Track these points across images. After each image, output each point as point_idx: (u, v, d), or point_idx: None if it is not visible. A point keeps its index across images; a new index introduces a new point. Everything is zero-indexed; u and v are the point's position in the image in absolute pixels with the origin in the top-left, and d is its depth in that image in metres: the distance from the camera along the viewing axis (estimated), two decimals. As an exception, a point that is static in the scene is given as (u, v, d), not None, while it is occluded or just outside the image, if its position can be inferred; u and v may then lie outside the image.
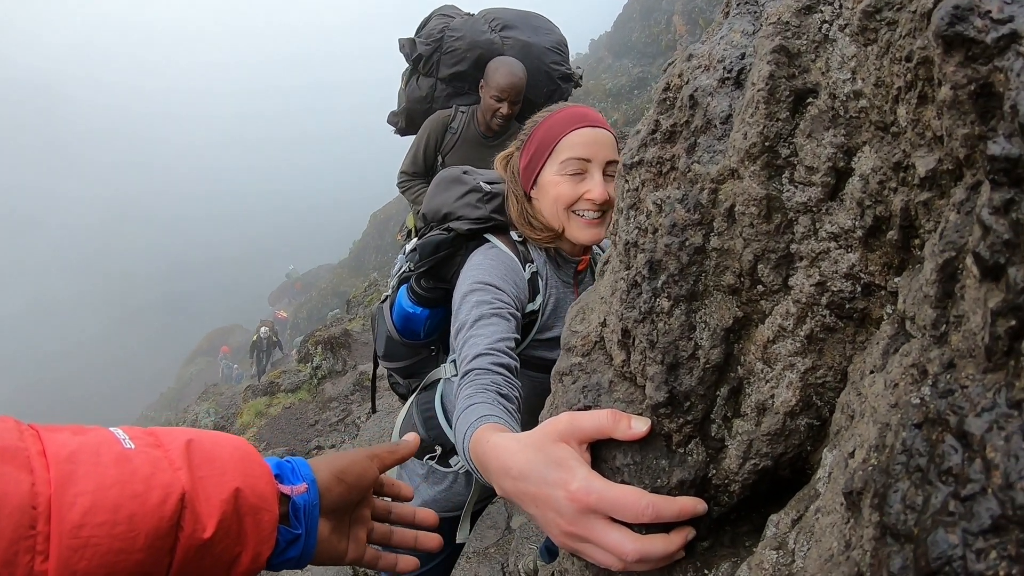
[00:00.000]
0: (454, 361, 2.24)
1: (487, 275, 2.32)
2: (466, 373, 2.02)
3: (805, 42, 0.91)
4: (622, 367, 1.17)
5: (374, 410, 4.20)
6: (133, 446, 0.87)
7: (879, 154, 0.81)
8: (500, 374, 2.00)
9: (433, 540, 1.32)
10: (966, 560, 0.48)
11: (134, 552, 0.80)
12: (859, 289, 0.85)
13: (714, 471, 1.06)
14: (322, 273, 53.28)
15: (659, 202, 1.07)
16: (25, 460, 0.77)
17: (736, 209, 0.96)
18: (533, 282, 2.43)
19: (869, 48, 0.81)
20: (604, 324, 1.24)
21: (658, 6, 30.60)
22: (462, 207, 2.55)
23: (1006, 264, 0.52)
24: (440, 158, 4.48)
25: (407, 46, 4.52)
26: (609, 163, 2.33)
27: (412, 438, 1.36)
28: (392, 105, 4.97)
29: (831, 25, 0.91)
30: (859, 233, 0.84)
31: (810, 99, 0.90)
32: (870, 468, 0.65)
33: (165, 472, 0.86)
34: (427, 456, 2.68)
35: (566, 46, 4.60)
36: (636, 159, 1.15)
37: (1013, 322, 0.51)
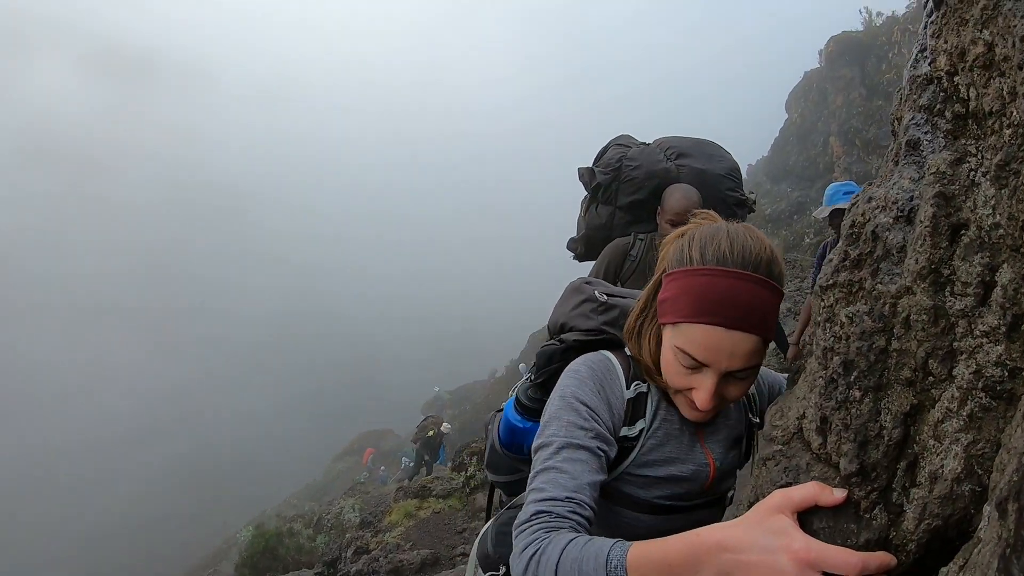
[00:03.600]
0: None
1: (580, 389, 1.96)
2: (541, 513, 1.71)
3: (958, 187, 1.20)
4: (819, 450, 1.41)
5: (488, 517, 3.59)
6: None
7: (1013, 268, 1.09)
8: (581, 524, 1.68)
9: None
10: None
11: None
12: (1006, 374, 1.10)
13: (894, 532, 1.26)
14: (476, 388, 53.01)
15: (850, 315, 1.35)
16: None
17: (911, 318, 1.24)
18: (638, 402, 2.02)
19: (1003, 191, 1.10)
20: (803, 416, 1.48)
21: (814, 128, 30.25)
22: (575, 317, 2.30)
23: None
24: (619, 284, 4.28)
25: (586, 175, 4.60)
26: (735, 372, 1.82)
27: None
28: (563, 227, 4.99)
29: (976, 172, 1.19)
30: (1003, 329, 1.10)
31: (963, 231, 1.18)
32: (1012, 481, 0.91)
33: None
34: (490, 572, 2.44)
35: (739, 172, 4.60)
36: (831, 282, 1.43)
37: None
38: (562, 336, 2.26)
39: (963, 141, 1.25)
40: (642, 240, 4.40)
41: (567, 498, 1.71)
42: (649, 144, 4.63)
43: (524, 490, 2.08)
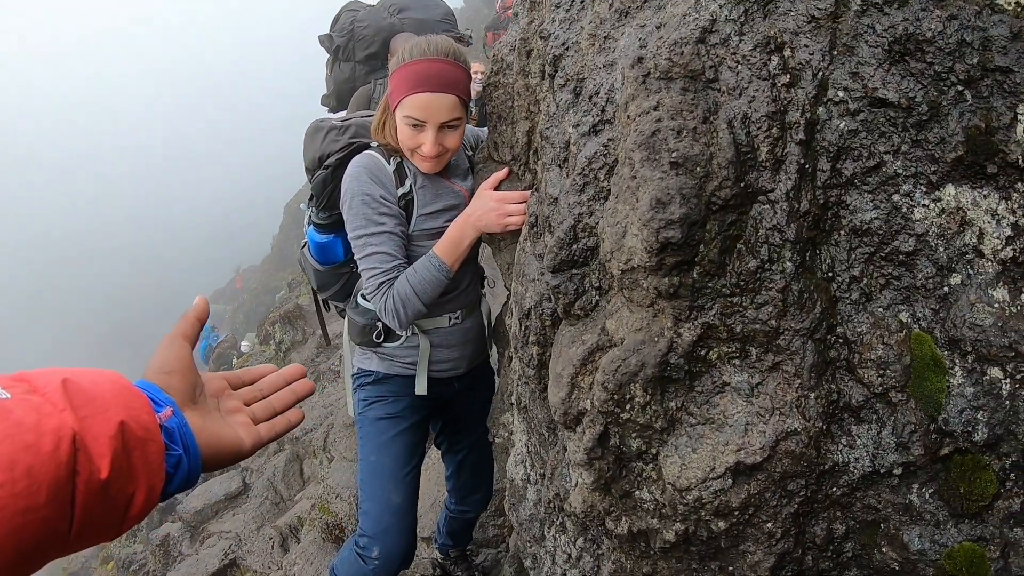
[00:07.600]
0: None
1: (359, 182, 2.70)
2: (381, 284, 2.65)
3: (531, 33, 2.88)
4: (497, 159, 2.83)
5: (327, 342, 4.20)
6: (8, 395, 0.78)
7: (557, 60, 2.82)
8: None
9: (307, 385, 1.29)
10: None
11: (39, 508, 0.73)
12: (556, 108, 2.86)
13: (533, 181, 2.72)
14: (250, 275, 52.01)
15: (496, 89, 2.84)
16: None
17: (517, 91, 2.85)
18: (399, 170, 2.80)
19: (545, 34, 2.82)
20: (488, 147, 2.92)
21: (528, -53, 30.56)
22: (327, 146, 2.90)
23: None
24: None
25: (326, 41, 5.23)
26: (445, 123, 2.65)
27: (199, 300, 1.19)
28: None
29: (540, 28, 2.90)
30: (546, 80, 2.82)
31: (542, 41, 2.87)
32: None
33: (50, 416, 0.77)
34: (375, 334, 3.00)
35: (453, 15, 5.36)
36: (492, 75, 2.98)
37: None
38: (325, 164, 2.89)
39: (536, 12, 2.81)
40: (381, 84, 5.05)
41: (393, 266, 2.68)
42: (374, 5, 5.29)
43: (350, 294, 3.09)
